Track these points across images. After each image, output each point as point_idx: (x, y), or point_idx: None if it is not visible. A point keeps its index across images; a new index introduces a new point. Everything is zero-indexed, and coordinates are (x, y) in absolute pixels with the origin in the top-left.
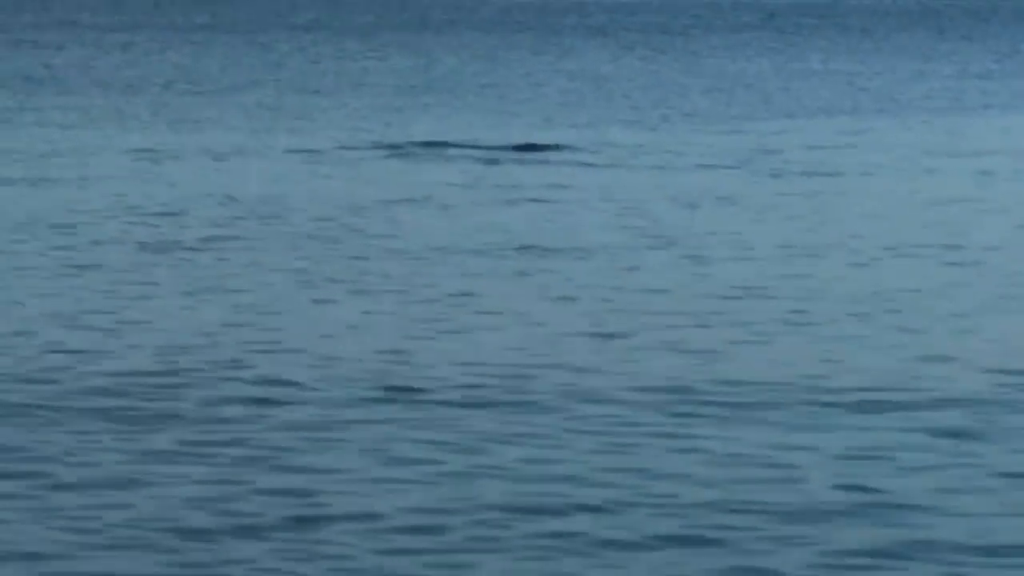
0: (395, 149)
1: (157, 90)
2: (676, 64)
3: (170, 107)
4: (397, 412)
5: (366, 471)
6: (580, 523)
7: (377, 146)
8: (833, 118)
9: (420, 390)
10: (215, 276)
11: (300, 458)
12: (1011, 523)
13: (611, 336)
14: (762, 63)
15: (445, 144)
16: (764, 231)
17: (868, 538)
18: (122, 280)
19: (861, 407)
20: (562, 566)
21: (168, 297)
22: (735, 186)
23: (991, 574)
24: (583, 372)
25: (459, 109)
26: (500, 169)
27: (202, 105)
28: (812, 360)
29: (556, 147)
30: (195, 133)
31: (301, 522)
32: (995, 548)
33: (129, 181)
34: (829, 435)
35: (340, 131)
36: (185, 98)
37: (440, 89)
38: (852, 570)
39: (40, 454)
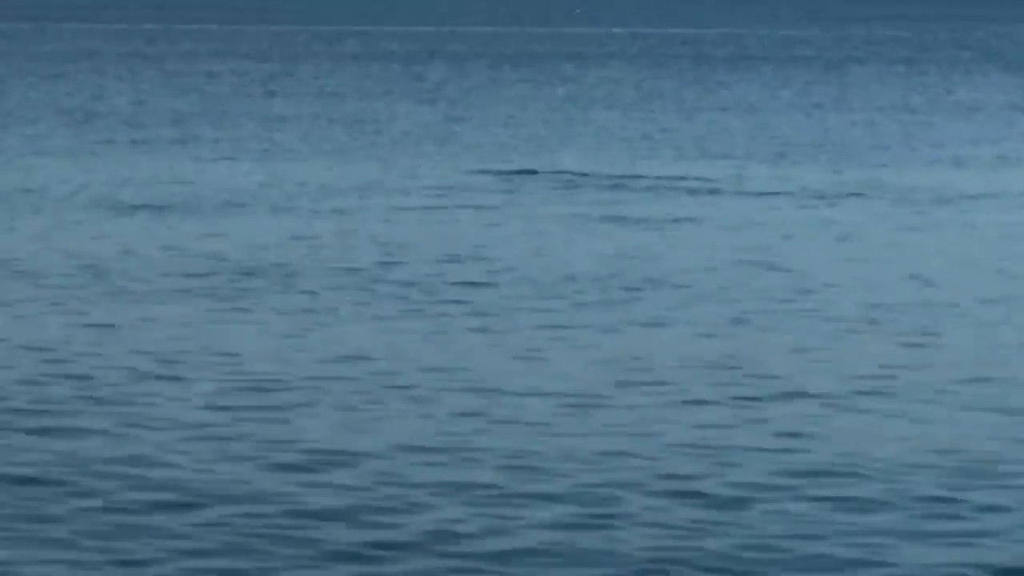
0: (531, 178)
1: (307, 121)
2: (828, 96)
3: (317, 138)
4: (485, 443)
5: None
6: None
7: (514, 175)
8: (978, 150)
9: (511, 422)
10: (327, 306)
11: (398, 489)
12: None
13: (710, 366)
14: (912, 96)
15: (579, 174)
16: (892, 265)
17: None
18: (232, 308)
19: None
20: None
21: (276, 328)
22: (864, 220)
23: None
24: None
25: (603, 140)
26: (629, 201)
27: (349, 135)
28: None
29: (692, 179)
30: (340, 164)
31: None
32: None
33: (267, 212)
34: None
35: (477, 161)
36: (334, 128)
37: (587, 120)
38: None
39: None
